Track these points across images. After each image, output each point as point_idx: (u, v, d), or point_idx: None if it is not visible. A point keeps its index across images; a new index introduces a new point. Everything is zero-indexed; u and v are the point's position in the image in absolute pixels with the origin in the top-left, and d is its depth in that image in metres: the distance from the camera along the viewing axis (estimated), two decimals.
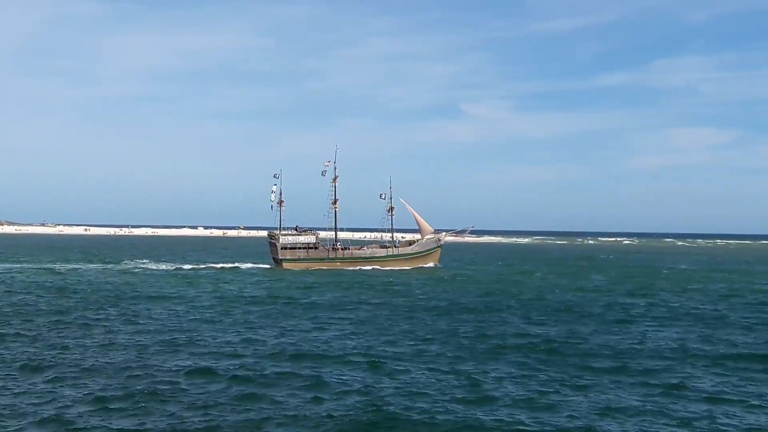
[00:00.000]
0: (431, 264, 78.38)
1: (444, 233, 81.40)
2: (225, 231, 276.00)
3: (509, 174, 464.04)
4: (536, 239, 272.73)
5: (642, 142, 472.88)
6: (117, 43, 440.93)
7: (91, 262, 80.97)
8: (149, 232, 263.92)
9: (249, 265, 78.70)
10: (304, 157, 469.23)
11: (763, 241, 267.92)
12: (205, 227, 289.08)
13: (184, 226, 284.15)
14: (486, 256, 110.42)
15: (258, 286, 55.37)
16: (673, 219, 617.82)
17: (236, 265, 77.85)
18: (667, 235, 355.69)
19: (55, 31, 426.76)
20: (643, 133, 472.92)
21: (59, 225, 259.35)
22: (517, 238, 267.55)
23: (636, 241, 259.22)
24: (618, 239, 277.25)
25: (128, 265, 76.28)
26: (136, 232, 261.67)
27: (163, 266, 74.66)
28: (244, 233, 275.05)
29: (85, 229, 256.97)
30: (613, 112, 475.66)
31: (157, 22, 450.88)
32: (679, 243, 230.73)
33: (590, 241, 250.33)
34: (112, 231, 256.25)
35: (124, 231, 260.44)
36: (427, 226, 79.32)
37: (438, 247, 79.74)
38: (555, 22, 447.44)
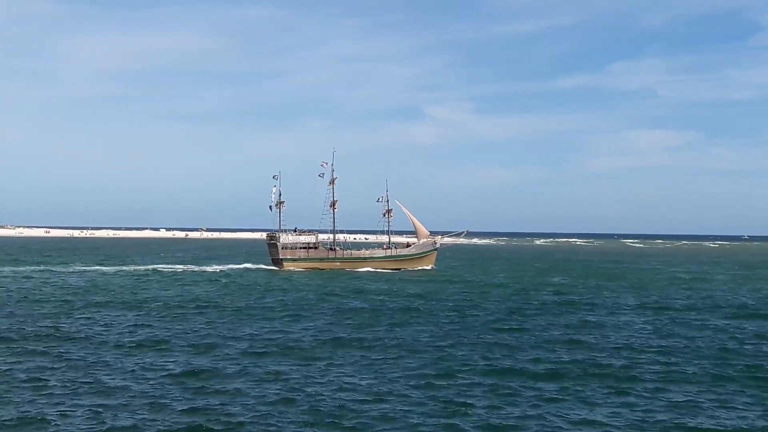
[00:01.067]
0: (428, 266, 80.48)
1: (440, 236, 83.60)
2: (187, 233, 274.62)
3: (470, 175, 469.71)
4: (498, 240, 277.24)
5: (601, 144, 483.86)
6: (76, 43, 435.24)
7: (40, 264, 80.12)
8: (110, 234, 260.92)
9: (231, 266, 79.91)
10: (264, 159, 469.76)
11: (722, 242, 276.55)
12: (167, 229, 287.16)
13: (146, 228, 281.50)
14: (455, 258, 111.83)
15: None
16: (633, 220, 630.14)
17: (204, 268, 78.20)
18: (626, 236, 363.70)
19: (13, 31, 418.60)
20: (602, 135, 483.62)
21: (19, 227, 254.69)
22: (477, 239, 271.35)
23: (594, 242, 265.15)
24: (571, 240, 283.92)
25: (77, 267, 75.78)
26: (97, 234, 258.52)
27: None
28: (206, 235, 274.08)
29: (46, 231, 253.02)
30: (573, 114, 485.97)
31: (116, 22, 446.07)
32: (637, 244, 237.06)
33: (540, 242, 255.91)
34: (72, 233, 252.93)
35: (85, 233, 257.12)
36: (423, 229, 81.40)
37: (434, 249, 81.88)
38: (515, 24, 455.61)
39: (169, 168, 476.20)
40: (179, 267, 78.87)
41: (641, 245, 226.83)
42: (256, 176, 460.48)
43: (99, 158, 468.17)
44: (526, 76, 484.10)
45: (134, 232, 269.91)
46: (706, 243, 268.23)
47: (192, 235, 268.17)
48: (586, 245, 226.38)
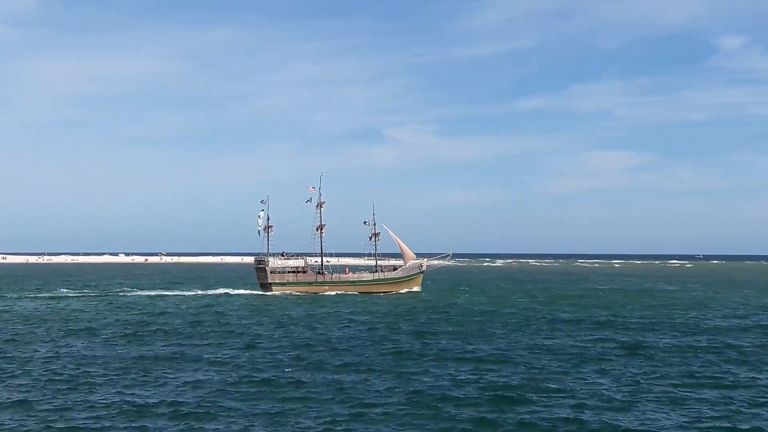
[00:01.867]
0: (415, 288, 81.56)
1: (425, 259, 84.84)
2: (147, 258, 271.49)
3: (433, 198, 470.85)
4: (459, 261, 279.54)
5: (561, 166, 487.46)
6: (34, 68, 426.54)
7: None
8: (69, 259, 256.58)
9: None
10: (225, 183, 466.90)
11: (682, 261, 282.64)
12: (127, 254, 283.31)
13: (105, 253, 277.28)
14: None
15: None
16: (594, 240, 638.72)
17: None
18: (586, 256, 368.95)
19: None
20: (562, 157, 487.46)
21: None
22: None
23: (557, 262, 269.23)
24: (530, 261, 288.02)
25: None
26: (56, 259, 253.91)
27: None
28: (166, 259, 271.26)
29: (2, 257, 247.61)
30: (533, 136, 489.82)
31: (75, 47, 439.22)
32: (593, 264, 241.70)
33: (498, 263, 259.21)
34: (28, 259, 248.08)
35: (43, 258, 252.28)
36: (409, 251, 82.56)
37: (420, 272, 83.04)
38: (475, 48, 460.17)
39: (127, 193, 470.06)
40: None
41: (597, 265, 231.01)
42: (217, 201, 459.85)
43: (56, 183, 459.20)
44: (487, 99, 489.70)
45: (93, 257, 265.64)
46: (658, 262, 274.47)
47: (152, 259, 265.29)
48: (543, 266, 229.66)
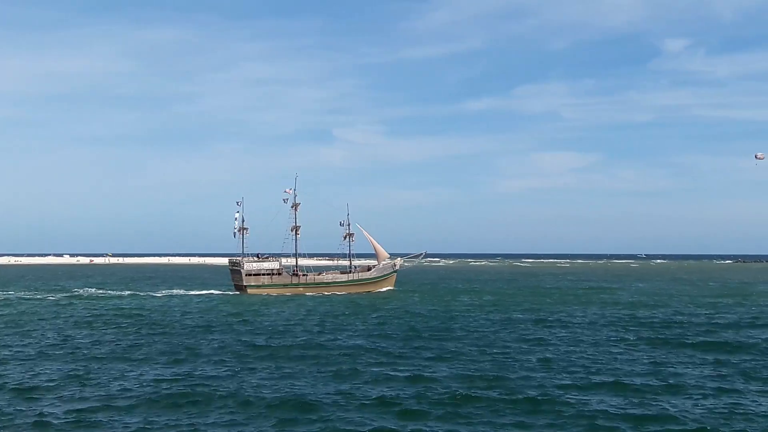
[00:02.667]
0: (388, 288, 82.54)
1: (399, 258, 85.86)
2: (92, 258, 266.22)
3: (382, 198, 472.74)
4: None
5: (509, 166, 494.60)
6: None
7: None
8: (11, 260, 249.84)
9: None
10: (173, 182, 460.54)
11: (626, 261, 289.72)
12: (72, 255, 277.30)
13: (49, 254, 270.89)
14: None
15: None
16: (540, 240, 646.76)
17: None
18: (533, 256, 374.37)
19: None
20: (510, 157, 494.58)
21: None
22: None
23: (506, 262, 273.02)
24: (469, 260, 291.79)
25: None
26: None
27: None
28: (112, 260, 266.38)
29: None
30: (482, 136, 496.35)
31: (19, 45, 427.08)
32: (526, 264, 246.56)
33: (441, 263, 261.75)
34: None
35: None
36: (383, 251, 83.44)
37: (394, 272, 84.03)
38: (424, 48, 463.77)
39: (73, 193, 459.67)
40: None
41: (528, 265, 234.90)
42: (163, 201, 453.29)
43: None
44: (435, 100, 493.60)
45: (36, 258, 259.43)
46: (599, 261, 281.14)
47: (97, 260, 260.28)
48: (479, 265, 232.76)
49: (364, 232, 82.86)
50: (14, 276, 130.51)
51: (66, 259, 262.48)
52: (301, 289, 79.45)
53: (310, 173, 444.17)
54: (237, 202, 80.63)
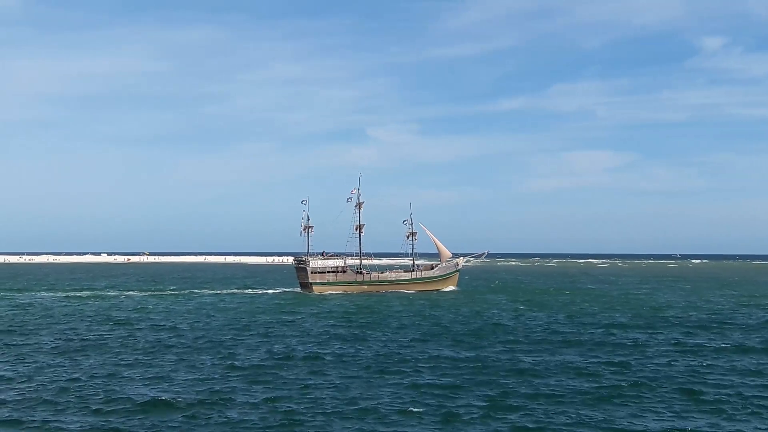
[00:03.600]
0: (451, 287, 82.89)
1: (462, 258, 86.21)
2: (129, 257, 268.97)
3: (415, 197, 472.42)
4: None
5: (542, 165, 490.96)
6: (11, 67, 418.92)
7: None
8: (50, 259, 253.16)
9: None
10: (205, 182, 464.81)
11: (663, 261, 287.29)
12: (109, 254, 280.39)
13: (87, 253, 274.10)
14: None
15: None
16: (574, 240, 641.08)
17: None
18: (567, 256, 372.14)
19: None
20: (543, 156, 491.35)
21: None
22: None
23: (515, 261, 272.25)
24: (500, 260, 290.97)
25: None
26: (37, 259, 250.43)
27: None
28: (150, 259, 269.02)
29: None
30: (514, 135, 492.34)
31: (51, 46, 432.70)
32: (553, 263, 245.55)
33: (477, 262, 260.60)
34: (6, 258, 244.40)
35: (24, 258, 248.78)
36: (446, 251, 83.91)
37: (456, 271, 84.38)
38: (456, 47, 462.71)
39: (108, 192, 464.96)
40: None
41: (554, 264, 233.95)
42: (197, 200, 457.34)
43: (34, 183, 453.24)
44: (468, 99, 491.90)
45: (75, 257, 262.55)
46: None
47: (133, 259, 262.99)
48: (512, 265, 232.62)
49: (427, 231, 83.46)
50: (80, 273, 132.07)
51: (103, 258, 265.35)
52: (366, 287, 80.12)
53: (341, 172, 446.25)
54: (302, 201, 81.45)
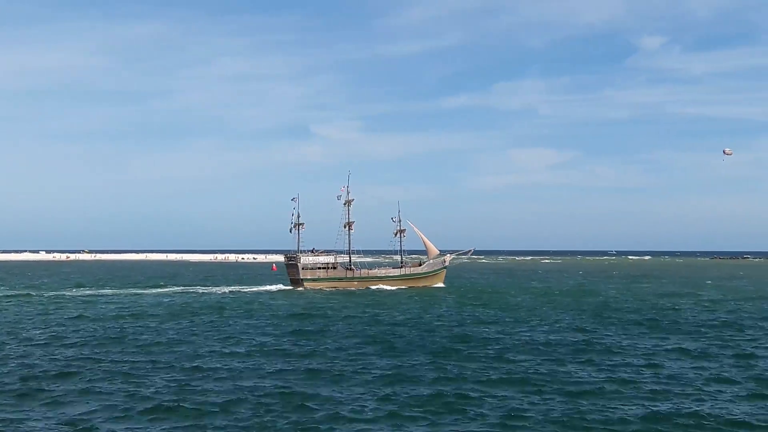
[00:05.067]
0: (439, 284, 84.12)
1: (448, 254, 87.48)
2: (68, 255, 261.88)
3: (360, 194, 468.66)
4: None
5: (487, 163, 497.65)
6: None
7: None
8: None
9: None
10: (151, 179, 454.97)
11: (602, 257, 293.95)
12: (48, 251, 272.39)
13: (25, 251, 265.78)
14: None
15: None
16: (520, 237, 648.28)
17: None
18: (512, 253, 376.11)
19: None
20: (488, 154, 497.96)
21: None
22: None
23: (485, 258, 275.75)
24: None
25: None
26: None
27: None
28: (88, 257, 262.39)
29: None
30: (459, 133, 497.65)
31: None
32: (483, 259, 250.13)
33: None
34: None
35: None
36: (433, 248, 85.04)
37: (444, 267, 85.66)
38: (402, 45, 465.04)
39: (50, 189, 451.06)
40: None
41: (504, 261, 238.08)
42: (143, 196, 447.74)
43: None
44: (414, 96, 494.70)
45: (12, 254, 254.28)
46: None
47: (72, 257, 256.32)
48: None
49: (415, 228, 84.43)
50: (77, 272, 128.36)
51: (42, 256, 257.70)
52: (356, 283, 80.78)
53: (288, 168, 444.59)
54: (292, 199, 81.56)
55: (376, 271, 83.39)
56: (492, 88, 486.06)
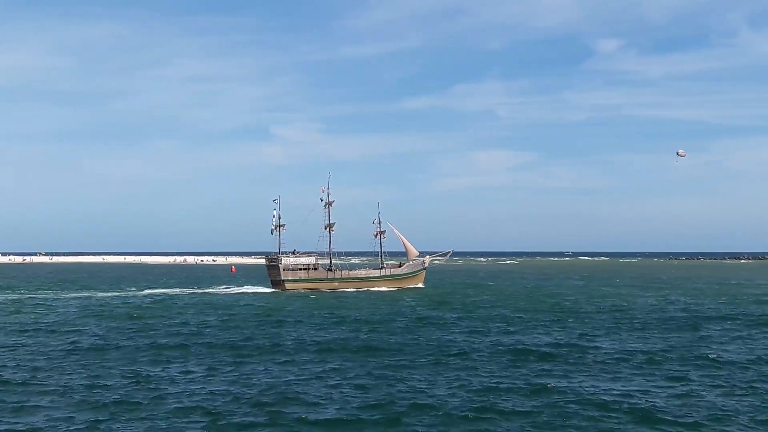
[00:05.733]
0: (419, 285, 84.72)
1: (428, 256, 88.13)
2: (25, 257, 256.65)
3: (320, 195, 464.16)
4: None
5: (447, 164, 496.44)
6: None
7: None
8: None
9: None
10: (109, 180, 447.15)
11: (561, 258, 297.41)
12: (3, 254, 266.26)
13: None
14: None
15: None
16: (481, 239, 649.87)
17: None
18: (474, 254, 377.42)
19: None
20: (447, 156, 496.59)
21: None
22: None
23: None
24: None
25: None
26: None
27: None
28: (46, 259, 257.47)
29: None
30: (420, 135, 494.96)
31: None
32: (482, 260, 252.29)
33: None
34: None
35: None
36: (413, 249, 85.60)
37: (423, 269, 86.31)
38: (362, 47, 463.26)
39: (6, 190, 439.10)
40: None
41: (461, 263, 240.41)
42: (101, 198, 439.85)
43: None
44: (374, 98, 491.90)
45: None
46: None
47: (29, 259, 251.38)
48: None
49: (395, 230, 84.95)
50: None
51: None
52: (336, 284, 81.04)
53: (248, 170, 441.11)
54: (274, 200, 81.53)
55: (356, 272, 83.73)
56: (452, 90, 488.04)
